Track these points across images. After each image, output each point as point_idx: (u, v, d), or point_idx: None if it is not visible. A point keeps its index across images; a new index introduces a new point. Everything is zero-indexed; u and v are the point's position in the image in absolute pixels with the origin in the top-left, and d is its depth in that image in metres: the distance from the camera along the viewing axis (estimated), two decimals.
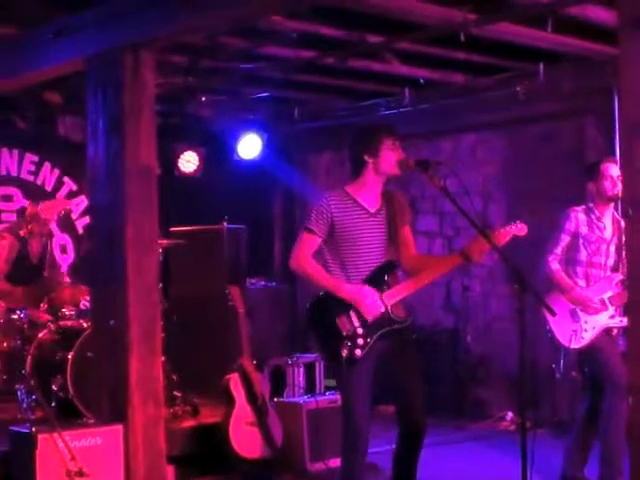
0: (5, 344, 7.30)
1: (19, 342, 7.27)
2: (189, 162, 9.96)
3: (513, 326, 8.03)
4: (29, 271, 7.89)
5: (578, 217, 6.22)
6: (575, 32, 6.94)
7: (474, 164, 9.37)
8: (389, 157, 5.18)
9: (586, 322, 6.14)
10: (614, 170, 6.11)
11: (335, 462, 6.87)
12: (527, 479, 4.65)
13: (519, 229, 5.27)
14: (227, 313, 7.81)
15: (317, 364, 8.34)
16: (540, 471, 6.16)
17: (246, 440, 6.91)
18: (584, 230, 6.20)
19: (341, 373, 5.20)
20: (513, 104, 8.38)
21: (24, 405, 7.02)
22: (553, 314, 5.68)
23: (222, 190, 9.97)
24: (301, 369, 8.25)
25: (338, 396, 7.18)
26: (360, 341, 5.10)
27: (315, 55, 7.57)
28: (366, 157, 5.23)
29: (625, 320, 6.06)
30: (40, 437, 5.51)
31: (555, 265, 6.20)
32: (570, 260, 6.25)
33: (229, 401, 7.01)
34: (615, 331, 6.23)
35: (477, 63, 7.92)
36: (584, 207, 6.26)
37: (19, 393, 7.07)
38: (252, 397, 7.03)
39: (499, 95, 8.47)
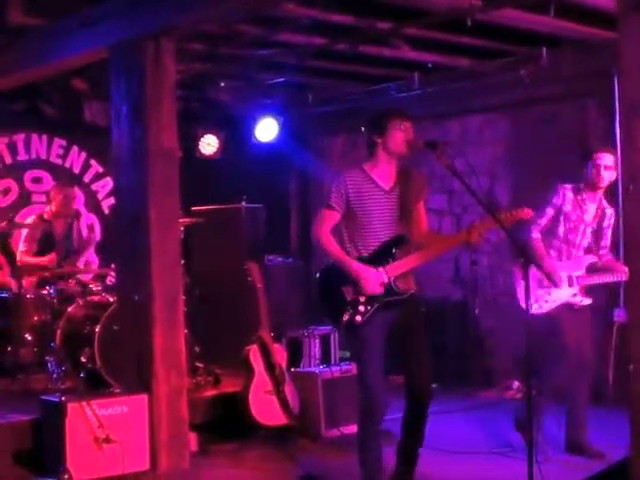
0: (36, 318, 7.34)
1: (49, 316, 7.30)
2: (209, 145, 9.96)
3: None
4: (52, 248, 7.92)
5: (566, 194, 6.26)
6: (576, 17, 6.89)
7: (480, 144, 9.33)
8: (396, 137, 5.20)
9: (549, 293, 6.21)
10: (606, 160, 6.13)
11: (349, 429, 6.89)
12: (533, 443, 4.68)
13: (524, 213, 5.28)
14: (246, 288, 7.80)
15: (332, 336, 8.34)
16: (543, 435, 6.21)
17: (265, 408, 6.93)
18: (567, 207, 6.25)
19: (352, 341, 5.27)
20: (517, 87, 8.34)
21: (54, 376, 7.05)
22: (557, 285, 5.73)
23: (241, 171, 9.96)
24: (317, 340, 8.25)
25: (352, 366, 7.22)
26: (361, 308, 5.14)
27: (327, 41, 7.54)
28: (376, 138, 5.27)
29: (585, 300, 6.24)
30: (69, 406, 5.56)
31: (536, 234, 6.26)
32: (550, 232, 6.30)
33: (248, 371, 7.02)
34: (578, 307, 6.30)
35: (483, 48, 7.87)
36: (574, 186, 6.28)
37: (49, 364, 7.11)
38: (270, 367, 7.04)
39: (504, 78, 8.43)
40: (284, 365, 7.14)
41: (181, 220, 6.71)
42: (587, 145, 6.49)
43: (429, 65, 8.51)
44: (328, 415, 7.09)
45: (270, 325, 7.21)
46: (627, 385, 4.12)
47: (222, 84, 9.11)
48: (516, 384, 8.71)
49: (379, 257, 5.21)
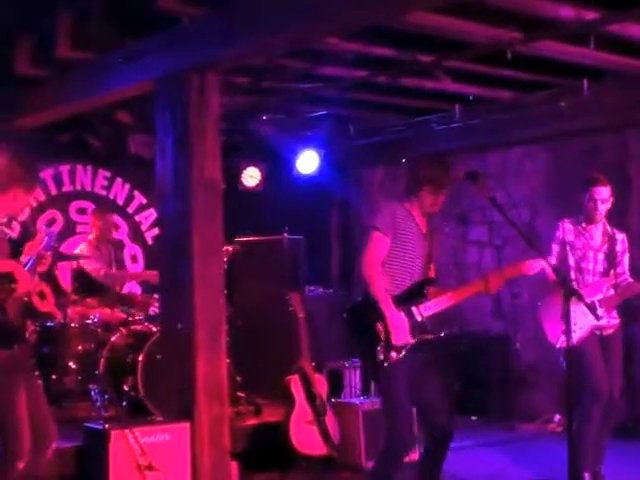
0: (80, 347, 7.41)
1: (93, 345, 7.38)
2: (252, 177, 10.07)
3: None
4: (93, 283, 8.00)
5: (565, 226, 6.31)
6: (617, 49, 6.90)
7: (521, 177, 9.33)
8: (426, 199, 5.30)
9: (575, 323, 6.11)
10: (603, 194, 6.20)
11: None
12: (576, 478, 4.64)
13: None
14: (288, 318, 7.83)
15: None
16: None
17: (305, 438, 6.95)
18: (570, 237, 6.32)
19: (383, 379, 5.19)
20: (558, 119, 8.32)
21: (97, 404, 7.11)
22: (596, 316, 5.77)
23: (282, 203, 10.02)
24: (357, 372, 8.27)
25: None
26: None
27: (369, 74, 7.60)
28: (413, 187, 5.34)
29: (613, 321, 6.27)
30: (112, 433, 5.61)
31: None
32: (563, 266, 6.32)
33: (289, 401, 7.05)
34: (610, 331, 6.30)
35: (523, 80, 7.89)
36: (573, 218, 6.36)
37: (93, 393, 7.17)
38: (311, 397, 7.07)
39: (544, 110, 8.43)
40: (325, 395, 7.17)
41: (224, 250, 6.78)
42: (588, 176, 6.45)
43: (470, 97, 8.53)
44: (369, 446, 7.09)
45: (311, 355, 7.24)
46: None
47: (264, 117, 9.19)
48: (557, 417, 8.66)
49: (412, 296, 5.25)
